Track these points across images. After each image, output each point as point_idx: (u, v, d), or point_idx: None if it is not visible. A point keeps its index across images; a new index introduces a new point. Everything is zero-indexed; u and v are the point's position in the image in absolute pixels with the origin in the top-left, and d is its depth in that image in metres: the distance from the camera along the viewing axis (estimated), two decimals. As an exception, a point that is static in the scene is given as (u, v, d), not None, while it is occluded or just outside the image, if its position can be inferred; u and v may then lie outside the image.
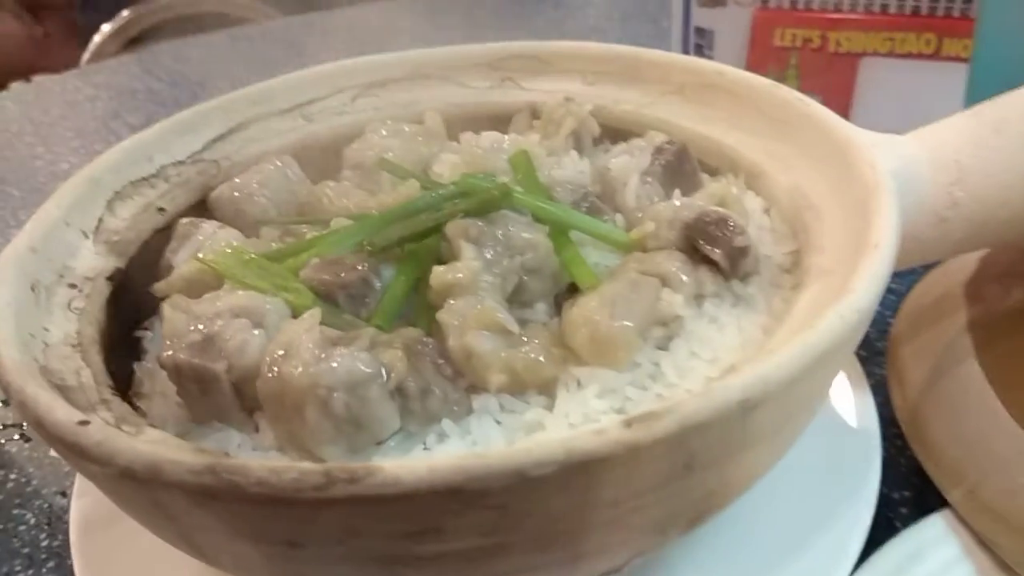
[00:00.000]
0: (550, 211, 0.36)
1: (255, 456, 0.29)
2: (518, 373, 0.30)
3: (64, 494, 0.44)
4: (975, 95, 0.56)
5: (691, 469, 0.24)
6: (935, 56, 0.65)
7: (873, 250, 0.28)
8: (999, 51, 0.53)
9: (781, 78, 0.71)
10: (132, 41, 1.62)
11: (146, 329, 0.39)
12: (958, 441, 0.34)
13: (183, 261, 0.38)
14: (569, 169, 0.41)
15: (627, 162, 0.40)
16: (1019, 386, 0.34)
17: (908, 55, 0.66)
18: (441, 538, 0.23)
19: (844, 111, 0.70)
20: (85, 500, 0.39)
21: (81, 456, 0.24)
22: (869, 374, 0.42)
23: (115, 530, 0.37)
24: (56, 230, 0.37)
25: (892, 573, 0.32)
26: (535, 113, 0.49)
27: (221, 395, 0.31)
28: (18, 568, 0.40)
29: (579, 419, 0.29)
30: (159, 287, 0.37)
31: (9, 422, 0.50)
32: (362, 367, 0.28)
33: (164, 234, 0.41)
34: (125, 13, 1.55)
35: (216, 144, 0.46)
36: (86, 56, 1.46)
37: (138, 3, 1.56)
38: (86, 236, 0.38)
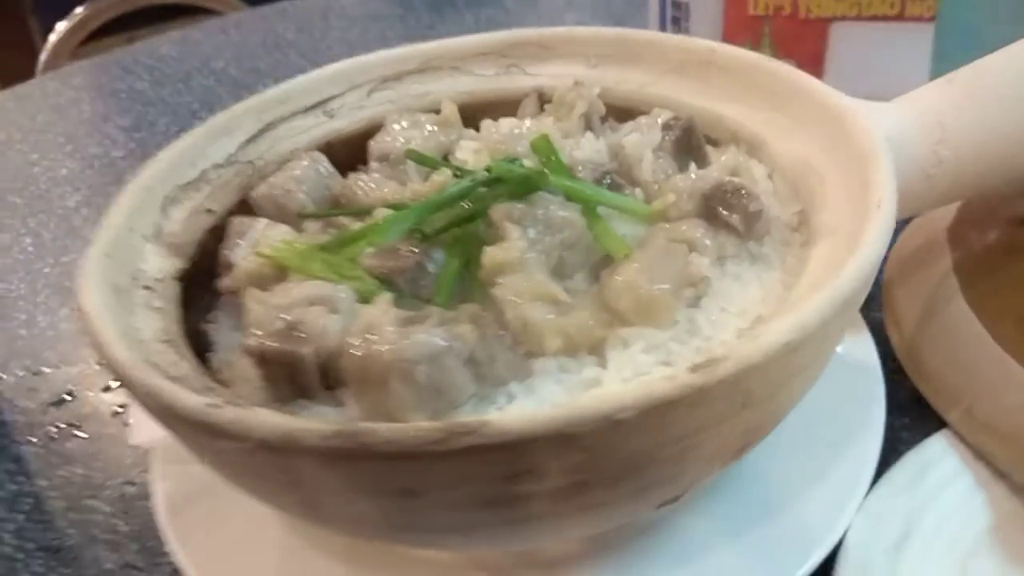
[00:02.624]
0: (580, 190, 0.39)
1: (322, 420, 0.33)
2: (571, 337, 0.34)
3: (132, 483, 0.47)
4: (940, 52, 0.61)
5: (744, 406, 0.28)
6: (900, 17, 0.69)
7: (877, 210, 0.33)
8: (961, 11, 0.57)
9: (756, 46, 0.76)
10: (90, 38, 1.61)
11: (209, 322, 0.42)
12: (952, 369, 0.39)
13: (242, 257, 0.41)
14: (587, 149, 0.44)
15: (639, 139, 0.44)
16: (1002, 317, 0.39)
17: (874, 17, 0.70)
18: (535, 478, 0.26)
19: (817, 73, 0.74)
20: (166, 484, 0.42)
21: (216, 435, 0.27)
22: (865, 317, 0.46)
23: (199, 509, 0.41)
24: (123, 236, 0.40)
25: (904, 488, 0.37)
26: (542, 97, 0.52)
27: (307, 376, 0.34)
28: (103, 552, 0.44)
29: (630, 373, 0.33)
30: (225, 283, 0.41)
31: (66, 422, 0.52)
32: (439, 341, 0.32)
33: (213, 233, 0.44)
34: (79, 10, 1.54)
35: (249, 145, 0.48)
36: (43, 56, 1.45)
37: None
38: (147, 240, 0.41)
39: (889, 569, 0.34)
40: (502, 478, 0.26)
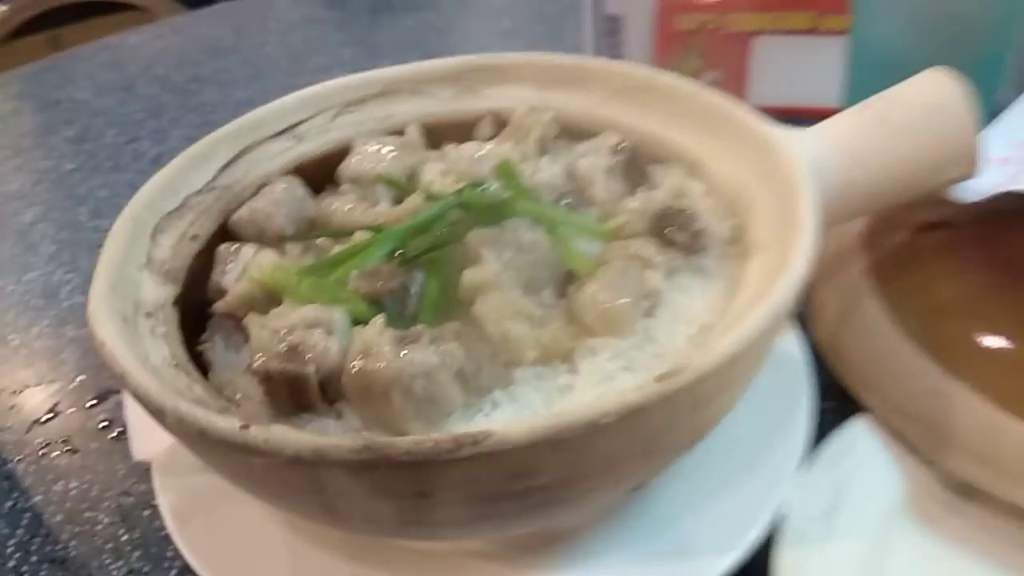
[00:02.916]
0: (545, 213, 0.44)
1: (348, 436, 0.37)
2: (546, 347, 0.39)
3: (129, 494, 0.50)
4: (854, 65, 0.67)
5: (699, 406, 0.33)
6: (814, 31, 0.76)
7: (803, 229, 0.38)
8: (872, 24, 0.63)
9: (685, 58, 0.81)
10: (9, 36, 1.57)
11: (203, 343, 0.45)
12: (869, 360, 0.46)
13: (232, 282, 0.45)
14: (546, 173, 0.49)
15: (591, 162, 0.49)
16: (910, 314, 0.45)
17: (792, 31, 0.77)
18: (532, 476, 0.31)
19: (741, 84, 0.81)
20: (170, 496, 0.45)
21: (249, 453, 0.31)
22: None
23: (205, 517, 0.44)
24: (121, 268, 0.42)
25: (831, 463, 0.43)
26: (497, 118, 0.56)
27: (310, 392, 0.38)
28: (108, 561, 0.46)
29: (599, 379, 0.38)
30: (219, 306, 0.44)
31: (51, 439, 0.55)
32: (433, 358, 0.36)
33: (200, 258, 0.47)
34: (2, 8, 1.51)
35: (226, 171, 0.51)
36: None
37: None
38: (142, 270, 0.44)
39: (822, 533, 0.40)
40: (503, 478, 0.31)
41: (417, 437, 0.30)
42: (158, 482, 0.46)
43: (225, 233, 0.49)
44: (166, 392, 0.34)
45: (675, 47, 0.80)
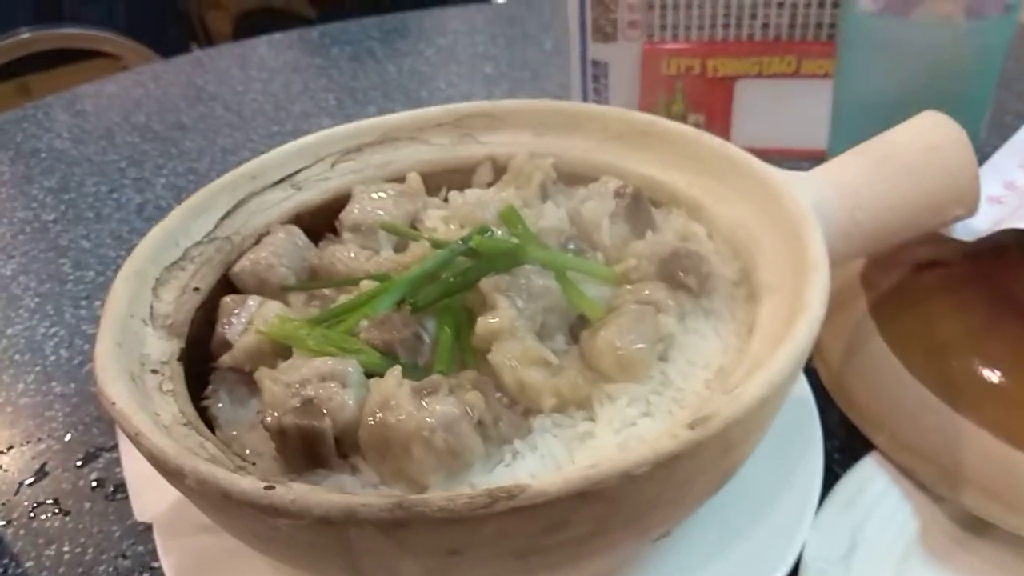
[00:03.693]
0: (554, 259, 0.44)
1: (368, 491, 0.36)
2: (563, 395, 0.39)
3: (125, 556, 0.49)
4: (839, 107, 0.69)
5: (727, 451, 0.33)
6: (796, 75, 0.78)
7: (815, 272, 0.39)
8: (855, 70, 0.65)
9: (670, 101, 0.83)
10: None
11: (207, 398, 0.44)
12: (875, 399, 0.46)
13: (238, 335, 0.44)
14: (551, 218, 0.49)
15: (595, 207, 0.49)
16: (914, 351, 0.46)
17: (774, 75, 0.79)
18: (566, 529, 0.31)
19: (725, 126, 0.82)
20: (172, 558, 0.44)
21: (275, 515, 0.30)
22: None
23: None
24: (126, 323, 0.41)
25: (846, 505, 0.43)
26: (495, 163, 0.57)
27: (325, 447, 0.37)
28: (105, 628, 0.45)
29: (619, 425, 0.38)
30: (225, 360, 0.43)
31: (40, 500, 0.53)
32: (454, 410, 0.36)
33: (202, 311, 0.46)
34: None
35: (225, 221, 0.51)
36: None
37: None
38: (146, 324, 0.43)
39: (842, 574, 0.40)
40: (536, 532, 0.30)
41: (450, 493, 0.29)
42: (161, 544, 0.44)
43: (227, 284, 0.49)
44: (184, 453, 0.33)
45: (659, 91, 0.82)
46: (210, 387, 0.44)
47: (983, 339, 0.44)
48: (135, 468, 0.47)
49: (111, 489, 0.53)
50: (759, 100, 0.80)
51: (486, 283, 0.41)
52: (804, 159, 0.67)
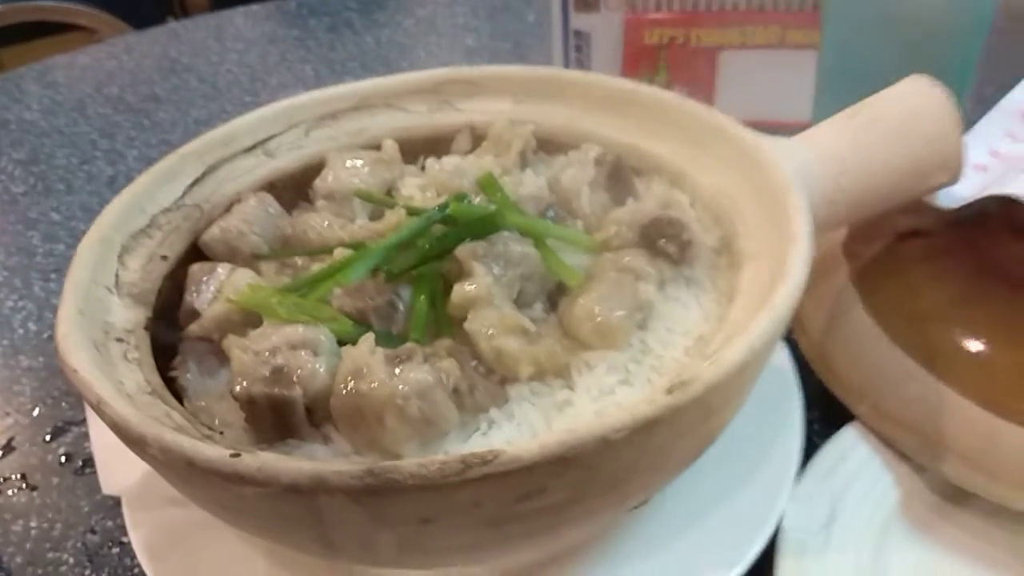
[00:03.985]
0: (533, 225, 0.43)
1: (349, 461, 0.35)
2: (541, 363, 0.38)
3: (94, 531, 0.47)
4: (823, 76, 0.68)
5: (706, 418, 0.32)
6: (781, 45, 0.77)
7: (797, 240, 0.38)
8: (840, 39, 0.64)
9: (653, 72, 0.82)
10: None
11: (174, 369, 0.43)
12: (857, 368, 0.45)
13: (207, 303, 0.43)
14: (530, 186, 0.48)
15: (575, 174, 0.48)
16: (897, 320, 0.45)
17: (758, 46, 0.77)
18: (541, 497, 0.30)
19: (709, 97, 0.81)
20: (142, 532, 0.43)
21: (241, 483, 0.29)
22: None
23: (180, 552, 0.42)
24: (89, 291, 0.40)
25: (825, 475, 0.43)
26: (474, 131, 0.55)
27: (296, 416, 0.36)
28: (73, 603, 0.44)
29: (597, 393, 0.37)
30: (193, 330, 0.42)
31: (7, 475, 0.51)
32: (428, 377, 0.35)
33: (170, 279, 0.45)
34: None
35: (194, 188, 0.49)
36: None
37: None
38: (111, 292, 0.42)
39: (821, 546, 0.39)
40: (511, 500, 0.30)
41: (422, 460, 0.28)
42: (129, 517, 0.43)
43: (195, 253, 0.47)
44: (147, 421, 0.32)
45: (642, 62, 0.80)
46: (178, 358, 0.43)
47: (966, 307, 0.44)
48: (103, 440, 0.46)
49: (80, 464, 0.52)
50: (743, 71, 0.79)
51: (462, 250, 0.40)
52: (789, 131, 0.66)
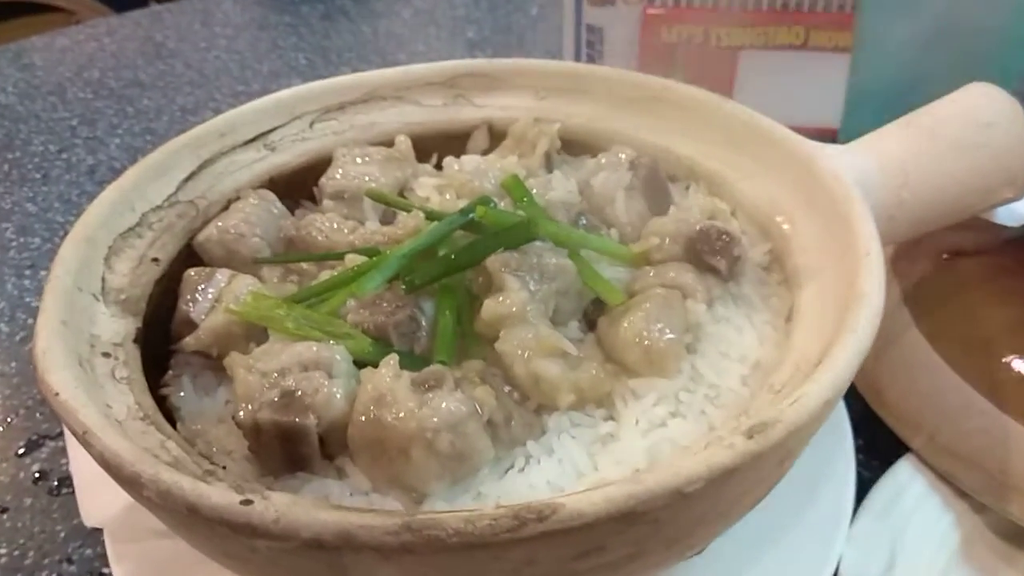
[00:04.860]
0: (568, 235, 0.39)
1: (356, 500, 0.31)
2: (583, 391, 0.34)
3: (71, 560, 0.43)
4: (856, 82, 0.65)
5: (782, 462, 0.29)
6: (803, 47, 0.73)
7: (867, 256, 0.34)
8: (878, 42, 0.61)
9: (669, 71, 0.78)
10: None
11: (167, 386, 0.38)
12: (913, 397, 0.42)
13: (204, 313, 0.38)
14: (560, 190, 0.44)
15: (608, 178, 0.44)
16: (956, 346, 0.42)
17: (781, 47, 0.74)
18: (600, 554, 0.26)
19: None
20: (125, 566, 0.38)
21: (254, 535, 0.25)
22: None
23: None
24: (74, 298, 0.36)
25: (881, 514, 0.39)
26: (492, 128, 0.51)
27: (308, 447, 0.32)
28: (46, 643, 0.39)
29: (647, 426, 0.33)
30: (189, 343, 0.37)
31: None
32: (462, 407, 0.31)
33: (162, 285, 0.41)
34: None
35: (188, 184, 0.45)
36: None
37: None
38: (96, 299, 0.37)
39: (884, 593, 0.36)
40: (570, 558, 0.26)
41: (468, 514, 0.24)
42: (112, 550, 0.39)
43: (190, 255, 0.43)
44: (142, 456, 0.27)
45: (659, 60, 0.76)
46: (170, 373, 0.39)
47: (1032, 334, 0.40)
48: (83, 465, 0.41)
49: (55, 483, 0.47)
50: (764, 73, 0.75)
51: (493, 261, 0.36)
52: (813, 138, 0.63)
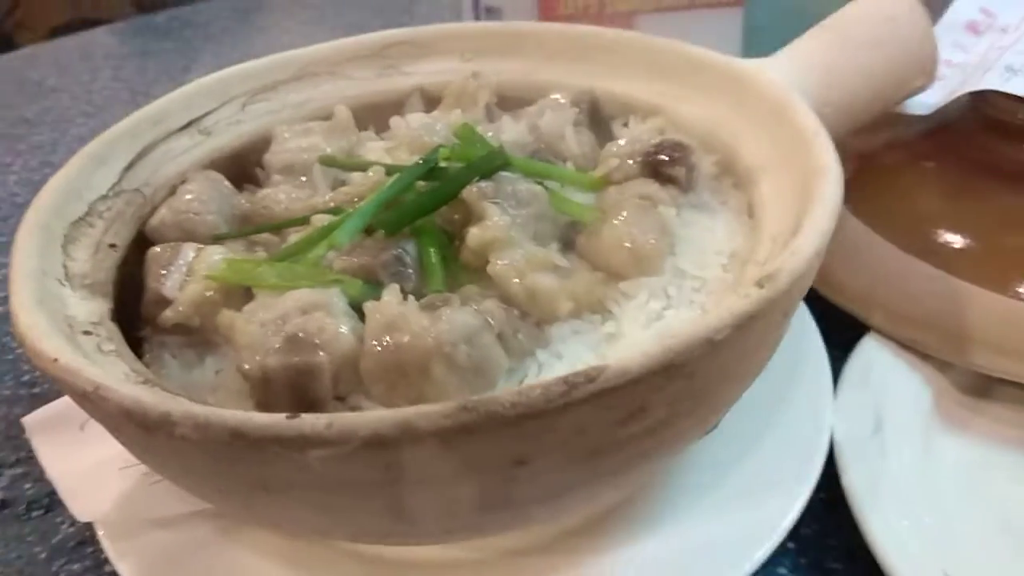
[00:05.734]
0: (535, 166, 0.40)
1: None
2: (579, 298, 0.35)
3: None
4: (752, 35, 0.69)
5: (785, 315, 0.30)
6: (692, 6, 0.77)
7: (816, 136, 0.37)
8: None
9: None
10: None
11: (147, 365, 0.37)
12: (863, 277, 0.45)
13: (177, 287, 0.37)
14: (511, 132, 0.45)
15: (554, 117, 0.45)
16: (892, 223, 0.45)
17: (672, 8, 0.78)
18: (642, 417, 0.27)
19: (629, 63, 0.81)
20: (129, 562, 0.36)
21: (308, 446, 0.24)
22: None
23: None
24: (42, 282, 0.34)
25: (857, 385, 0.42)
26: (425, 94, 0.52)
27: (321, 387, 0.31)
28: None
29: (645, 320, 0.34)
30: (167, 316, 0.36)
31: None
32: (474, 320, 0.31)
33: (123, 269, 0.39)
34: None
35: (129, 172, 0.43)
36: None
37: None
38: (63, 284, 0.36)
39: (878, 452, 0.38)
40: (615, 422, 0.26)
41: (520, 387, 0.25)
42: (112, 548, 0.37)
43: (145, 241, 0.41)
44: (166, 398, 0.26)
45: (559, 32, 0.79)
46: (146, 356, 0.37)
47: (959, 201, 0.44)
48: (62, 468, 0.39)
49: (23, 508, 0.44)
50: (662, 35, 0.78)
51: (470, 192, 0.37)
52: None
